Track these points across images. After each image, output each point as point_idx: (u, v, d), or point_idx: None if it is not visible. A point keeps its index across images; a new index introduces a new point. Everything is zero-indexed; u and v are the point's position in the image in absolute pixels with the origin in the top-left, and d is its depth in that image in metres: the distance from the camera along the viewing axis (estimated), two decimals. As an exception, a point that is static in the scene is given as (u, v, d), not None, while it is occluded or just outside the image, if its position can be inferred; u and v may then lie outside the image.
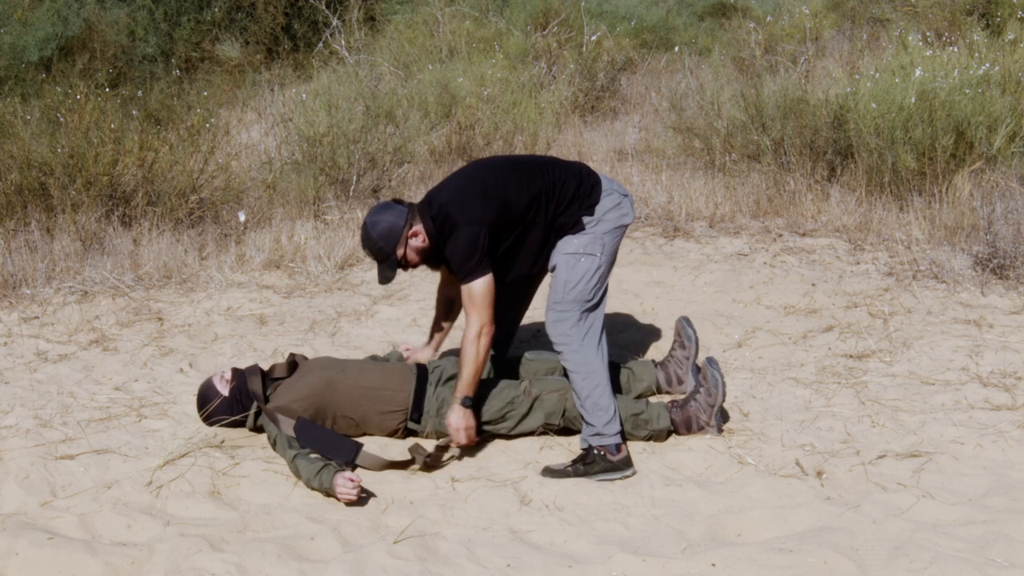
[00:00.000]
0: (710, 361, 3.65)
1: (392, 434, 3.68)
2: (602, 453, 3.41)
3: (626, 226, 3.64)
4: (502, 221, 3.46)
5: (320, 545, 3.00)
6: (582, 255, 3.51)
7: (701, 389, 3.64)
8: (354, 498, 3.20)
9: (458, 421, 3.46)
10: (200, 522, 3.14)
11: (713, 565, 2.83)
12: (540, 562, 2.88)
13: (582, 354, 3.47)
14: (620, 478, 3.39)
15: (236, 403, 3.66)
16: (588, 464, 3.41)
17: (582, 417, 3.50)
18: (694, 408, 3.62)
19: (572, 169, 3.62)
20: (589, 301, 3.51)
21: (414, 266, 3.56)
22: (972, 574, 2.70)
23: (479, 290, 3.40)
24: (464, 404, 3.46)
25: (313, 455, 3.37)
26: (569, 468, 3.41)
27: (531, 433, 3.66)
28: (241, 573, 2.83)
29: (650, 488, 3.29)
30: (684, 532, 3.03)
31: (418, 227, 3.48)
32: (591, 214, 3.54)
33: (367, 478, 3.44)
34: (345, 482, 3.21)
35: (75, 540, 2.96)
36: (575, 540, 3.02)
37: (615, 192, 3.60)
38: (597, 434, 3.43)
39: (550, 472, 3.41)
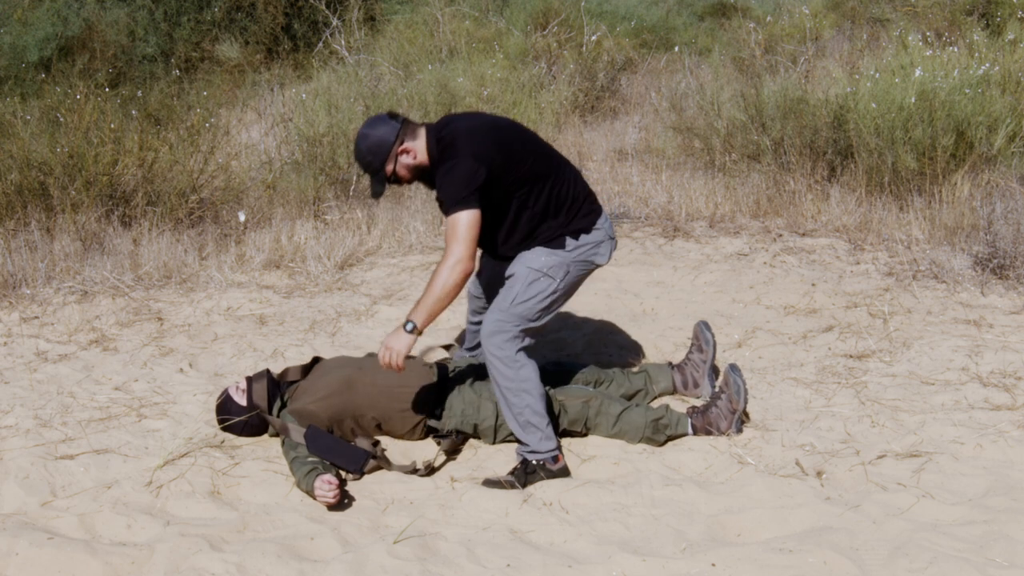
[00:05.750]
0: (733, 368, 3.62)
1: (412, 431, 3.66)
2: (541, 463, 3.39)
3: (595, 266, 3.52)
4: (502, 171, 3.27)
5: (320, 545, 3.00)
6: (542, 275, 3.39)
7: (723, 395, 3.62)
8: (332, 501, 3.17)
9: (393, 341, 3.23)
10: (200, 522, 3.13)
11: (713, 565, 2.82)
12: (540, 562, 2.88)
13: (514, 369, 3.38)
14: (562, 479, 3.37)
15: (254, 420, 3.67)
16: (529, 474, 3.37)
17: (515, 433, 3.45)
18: (715, 414, 3.60)
19: (583, 186, 3.51)
20: (532, 321, 3.41)
21: (407, 182, 3.40)
22: (972, 574, 2.70)
23: (463, 222, 3.18)
24: (407, 328, 3.22)
25: (311, 458, 3.36)
26: (509, 478, 3.36)
27: None
28: (241, 573, 2.83)
29: (650, 488, 3.28)
30: (684, 532, 3.03)
31: (411, 144, 3.31)
32: (576, 239, 3.43)
33: (366, 478, 3.44)
34: (323, 484, 3.18)
35: (75, 540, 2.96)
36: (575, 540, 3.02)
37: (603, 230, 3.50)
38: (532, 451, 3.41)
39: (490, 483, 3.35)
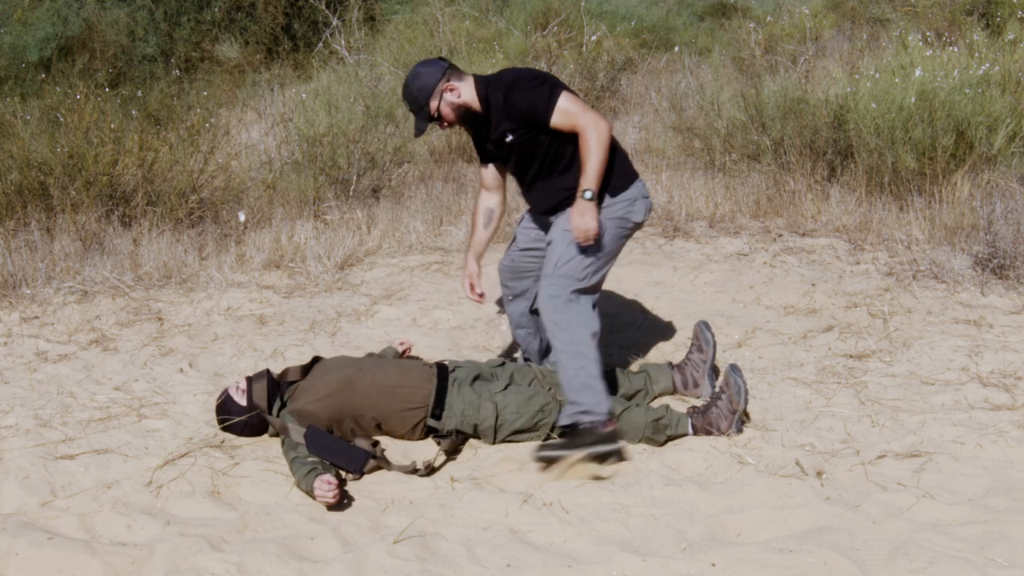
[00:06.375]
0: (733, 368, 3.62)
1: (412, 431, 3.67)
2: (592, 426, 3.39)
3: (632, 223, 3.62)
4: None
5: (320, 545, 3.00)
6: None
7: (723, 396, 3.62)
8: (331, 501, 3.17)
9: (579, 218, 3.41)
10: (200, 522, 3.13)
11: (713, 565, 2.82)
12: (540, 562, 2.88)
13: (570, 332, 3.43)
14: (611, 450, 3.38)
15: (254, 420, 3.68)
16: (578, 436, 3.38)
17: (567, 397, 3.47)
18: (715, 414, 3.61)
19: (621, 153, 3.64)
20: (581, 280, 3.48)
21: (449, 123, 3.60)
22: (972, 574, 2.70)
23: (567, 102, 3.41)
24: (586, 197, 3.40)
25: (311, 458, 3.36)
26: (560, 452, 3.37)
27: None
28: (241, 573, 2.83)
29: (650, 488, 3.28)
30: (684, 532, 3.03)
31: (456, 83, 3.54)
32: (613, 196, 3.55)
33: (366, 478, 3.44)
34: (323, 484, 3.17)
35: (75, 540, 2.96)
36: (575, 540, 3.02)
37: (637, 188, 3.63)
38: (585, 411, 3.41)
39: (544, 458, 3.37)
